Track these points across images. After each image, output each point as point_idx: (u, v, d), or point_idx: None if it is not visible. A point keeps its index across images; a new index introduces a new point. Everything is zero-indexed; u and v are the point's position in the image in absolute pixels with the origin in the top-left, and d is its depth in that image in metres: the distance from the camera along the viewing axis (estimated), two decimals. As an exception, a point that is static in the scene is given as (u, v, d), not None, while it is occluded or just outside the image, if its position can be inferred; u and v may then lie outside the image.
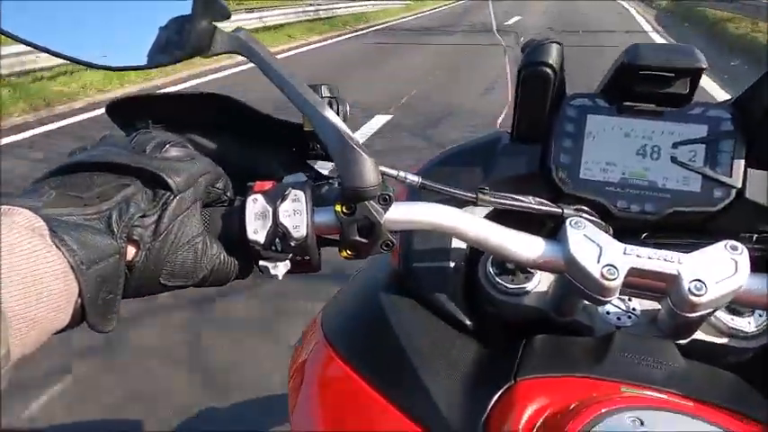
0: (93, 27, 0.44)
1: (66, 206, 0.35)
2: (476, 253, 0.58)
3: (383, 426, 0.45)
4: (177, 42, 0.43)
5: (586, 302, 0.53)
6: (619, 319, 0.53)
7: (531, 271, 0.55)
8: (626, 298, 0.55)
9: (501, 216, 0.54)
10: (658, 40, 9.60)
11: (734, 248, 0.42)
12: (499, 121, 0.69)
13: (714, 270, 0.42)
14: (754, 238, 0.48)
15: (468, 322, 0.55)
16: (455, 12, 18.35)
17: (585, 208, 0.54)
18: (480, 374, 0.47)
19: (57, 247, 0.33)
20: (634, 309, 0.54)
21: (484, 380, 0.46)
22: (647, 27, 11.42)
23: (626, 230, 0.55)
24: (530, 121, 0.58)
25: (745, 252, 0.42)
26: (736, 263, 0.42)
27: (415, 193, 0.56)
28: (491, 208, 0.56)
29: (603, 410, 0.36)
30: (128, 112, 0.51)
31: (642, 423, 0.35)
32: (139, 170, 0.39)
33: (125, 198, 0.37)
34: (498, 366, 0.47)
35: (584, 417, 0.36)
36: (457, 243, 0.57)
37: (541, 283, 0.55)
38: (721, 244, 0.43)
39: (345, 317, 0.59)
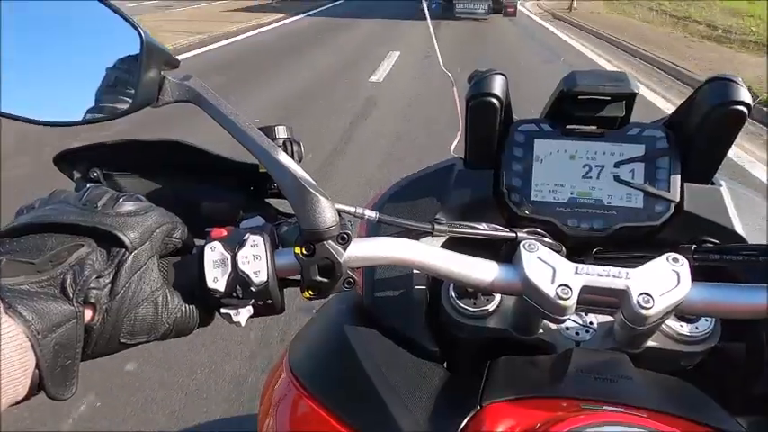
0: (41, 84, 0.43)
1: (18, 274, 0.34)
2: (438, 279, 0.59)
3: None
4: (126, 94, 0.43)
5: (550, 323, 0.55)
6: (578, 333, 0.56)
7: (493, 294, 0.57)
8: (583, 313, 0.57)
9: (459, 241, 0.55)
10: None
11: (675, 260, 0.45)
12: (452, 147, 0.71)
13: (659, 283, 0.44)
14: (693, 249, 0.51)
15: (433, 348, 0.56)
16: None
17: (539, 230, 0.56)
18: (447, 401, 0.48)
19: (11, 318, 0.32)
20: (591, 323, 0.56)
21: (451, 406, 0.47)
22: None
23: (578, 247, 0.58)
24: (481, 147, 0.60)
25: (686, 263, 0.45)
26: (678, 274, 0.44)
27: (374, 228, 0.57)
28: (446, 237, 0.58)
29: (566, 429, 0.38)
30: (77, 163, 0.51)
31: None
32: (92, 229, 0.38)
33: (78, 259, 0.37)
34: (464, 392, 0.48)
35: None
36: (419, 271, 0.58)
37: (503, 304, 0.57)
38: (664, 257, 0.45)
39: (311, 350, 0.59)
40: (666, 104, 5.35)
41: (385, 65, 7.27)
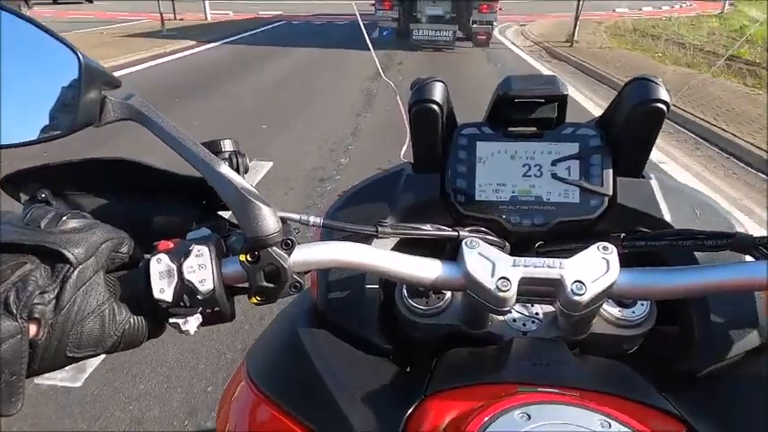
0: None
1: None
2: (391, 281, 0.61)
3: None
4: (68, 115, 0.44)
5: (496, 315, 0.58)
6: (524, 325, 0.58)
7: (443, 291, 0.59)
8: (529, 305, 0.59)
9: (409, 244, 0.57)
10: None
11: (605, 249, 0.48)
12: (402, 152, 0.74)
13: (590, 270, 0.47)
14: (622, 237, 0.54)
15: (386, 346, 0.58)
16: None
17: (482, 228, 0.59)
18: (395, 395, 0.50)
19: None
20: (537, 314, 0.59)
21: (399, 399, 0.48)
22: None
23: (521, 243, 0.61)
24: (426, 152, 0.62)
25: (615, 251, 0.48)
26: (608, 261, 0.47)
27: (328, 234, 0.59)
28: (398, 239, 0.60)
29: (497, 411, 0.40)
30: (24, 185, 0.51)
31: (529, 417, 0.39)
32: (36, 247, 0.39)
33: (22, 276, 0.38)
34: (412, 385, 0.50)
35: (481, 419, 0.39)
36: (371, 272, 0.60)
37: (453, 302, 0.59)
38: (594, 246, 0.48)
39: (268, 355, 0.60)
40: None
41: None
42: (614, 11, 19.19)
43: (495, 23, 10.53)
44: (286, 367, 0.56)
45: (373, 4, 10.53)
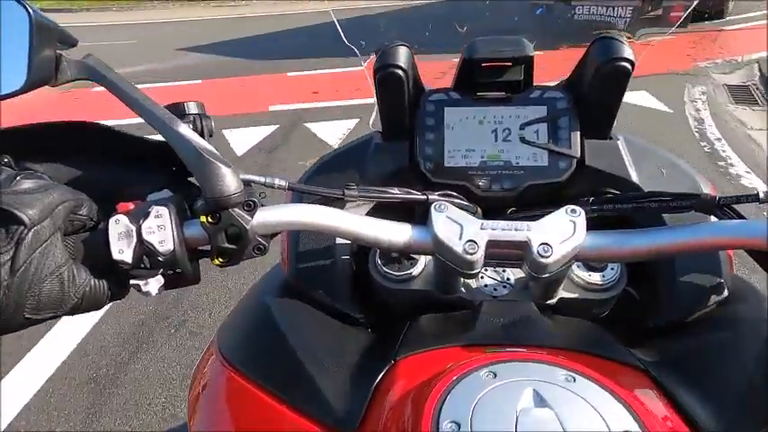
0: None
1: None
2: (364, 249, 0.61)
3: (279, 427, 0.46)
4: (21, 73, 0.43)
5: (466, 279, 0.58)
6: (495, 290, 0.58)
7: (416, 257, 0.59)
8: (501, 270, 0.60)
9: (382, 210, 0.57)
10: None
11: (573, 212, 0.48)
12: (371, 121, 0.73)
13: (557, 233, 0.47)
14: (591, 201, 0.55)
15: (358, 315, 0.57)
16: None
17: (453, 193, 0.59)
18: (366, 361, 0.50)
19: None
20: (508, 279, 0.59)
21: (368, 365, 0.48)
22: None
23: (493, 208, 0.61)
24: (394, 119, 0.62)
25: (583, 214, 0.48)
26: (575, 224, 0.47)
27: (298, 199, 0.58)
28: (371, 205, 0.59)
29: (464, 371, 0.39)
30: None
31: (495, 375, 0.38)
32: None
33: None
34: (383, 351, 0.50)
35: (448, 379, 0.39)
36: (342, 239, 0.60)
37: (426, 267, 0.59)
38: (563, 209, 0.48)
39: (238, 329, 0.60)
40: None
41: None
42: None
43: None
44: (256, 340, 0.56)
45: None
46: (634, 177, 0.59)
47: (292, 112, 4.83)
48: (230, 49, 7.98)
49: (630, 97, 4.28)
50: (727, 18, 7.55)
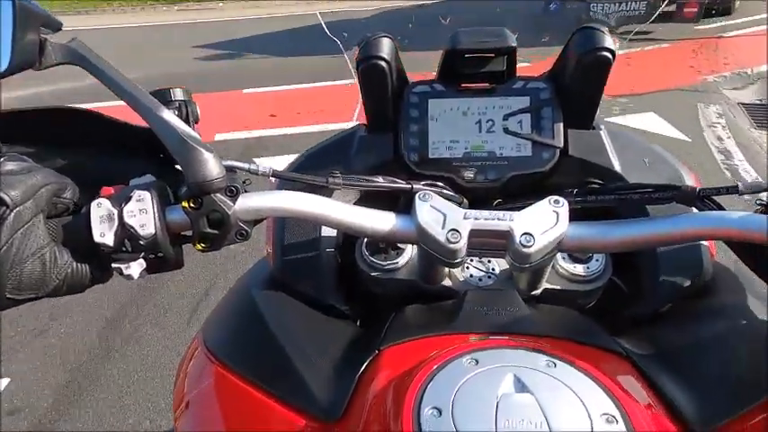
0: None
1: None
2: (350, 241, 0.61)
3: (265, 419, 0.47)
4: (4, 56, 0.43)
5: (452, 269, 0.58)
6: (480, 280, 0.59)
7: (402, 247, 0.59)
8: (486, 260, 0.60)
9: (369, 200, 0.57)
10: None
11: (556, 202, 0.48)
12: (355, 115, 0.73)
13: (540, 223, 0.47)
14: (575, 192, 0.55)
15: (343, 307, 0.58)
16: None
17: (439, 183, 0.59)
18: (351, 352, 0.50)
19: None
20: (493, 269, 0.59)
21: (353, 356, 0.48)
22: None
23: (479, 199, 0.61)
24: (378, 111, 0.62)
25: (566, 204, 0.48)
26: (558, 214, 0.47)
27: (282, 187, 0.58)
28: (358, 196, 0.60)
29: (446, 359, 0.40)
30: None
31: (477, 362, 0.39)
32: None
33: None
34: (368, 341, 0.50)
35: (430, 367, 0.39)
36: (327, 232, 0.60)
37: (412, 258, 0.59)
38: (546, 200, 0.48)
39: (223, 323, 0.60)
40: None
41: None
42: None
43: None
44: (242, 333, 0.56)
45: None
46: (617, 167, 0.59)
47: (243, 143, 3.92)
48: (184, 58, 6.72)
49: (637, 120, 3.84)
50: (734, 20, 7.04)
